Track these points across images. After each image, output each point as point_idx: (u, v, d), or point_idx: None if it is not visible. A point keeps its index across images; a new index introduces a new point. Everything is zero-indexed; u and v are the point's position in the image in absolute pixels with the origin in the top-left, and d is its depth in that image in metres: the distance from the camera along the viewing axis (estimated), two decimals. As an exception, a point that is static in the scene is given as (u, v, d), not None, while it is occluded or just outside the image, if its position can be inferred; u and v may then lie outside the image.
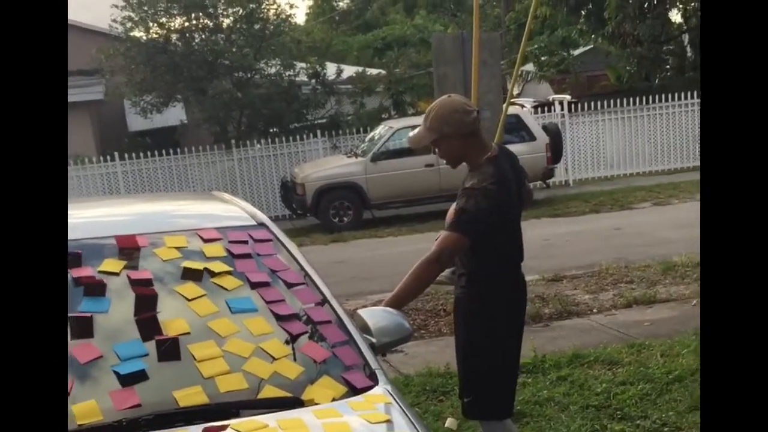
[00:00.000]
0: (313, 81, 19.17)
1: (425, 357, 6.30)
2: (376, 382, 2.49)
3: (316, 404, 2.35)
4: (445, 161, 3.81)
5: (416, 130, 3.78)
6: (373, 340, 2.80)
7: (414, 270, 3.50)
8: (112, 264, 2.66)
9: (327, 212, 14.62)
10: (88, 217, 3.41)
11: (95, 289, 2.55)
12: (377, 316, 2.92)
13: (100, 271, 2.62)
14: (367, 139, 16.10)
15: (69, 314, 2.46)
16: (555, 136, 15.29)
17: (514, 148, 14.48)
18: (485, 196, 3.47)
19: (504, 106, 7.35)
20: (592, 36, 22.53)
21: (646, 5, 19.01)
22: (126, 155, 17.08)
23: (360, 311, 2.99)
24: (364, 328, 2.84)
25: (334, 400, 2.37)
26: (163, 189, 17.05)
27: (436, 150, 3.76)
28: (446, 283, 4.08)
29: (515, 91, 16.64)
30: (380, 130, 15.68)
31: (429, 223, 12.76)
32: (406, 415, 2.34)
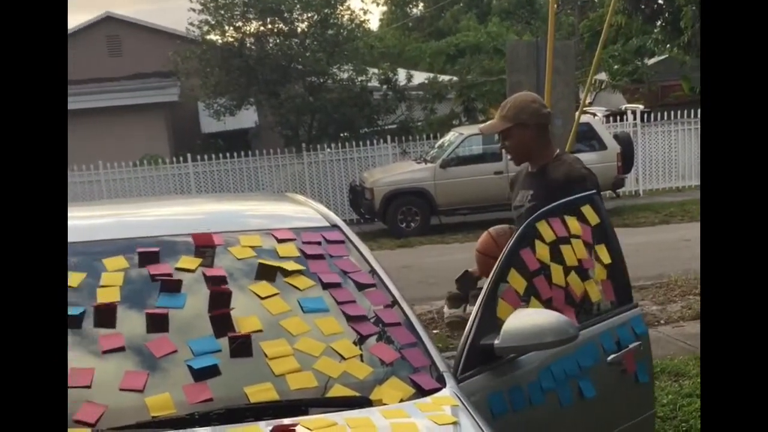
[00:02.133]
0: (385, 86, 19.24)
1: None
2: (443, 384, 2.50)
3: (384, 404, 2.36)
4: (510, 156, 3.90)
5: (489, 122, 3.89)
6: (495, 342, 2.75)
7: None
8: (188, 261, 2.72)
9: (395, 217, 14.66)
10: (166, 215, 3.50)
11: (172, 285, 2.61)
12: (525, 316, 2.79)
13: (176, 268, 2.68)
14: (436, 145, 16.10)
15: (146, 310, 2.53)
16: (626, 145, 15.09)
17: (585, 156, 14.37)
18: (582, 179, 3.60)
19: (576, 114, 7.30)
20: (667, 45, 22.13)
21: (724, 15, 18.60)
22: (198, 156, 17.37)
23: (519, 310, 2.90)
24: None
25: (401, 401, 2.39)
26: (233, 190, 17.29)
27: (506, 142, 3.81)
28: (460, 324, 4.01)
29: (587, 100, 16.46)
30: (450, 137, 15.67)
31: (496, 231, 12.67)
32: (473, 417, 2.34)
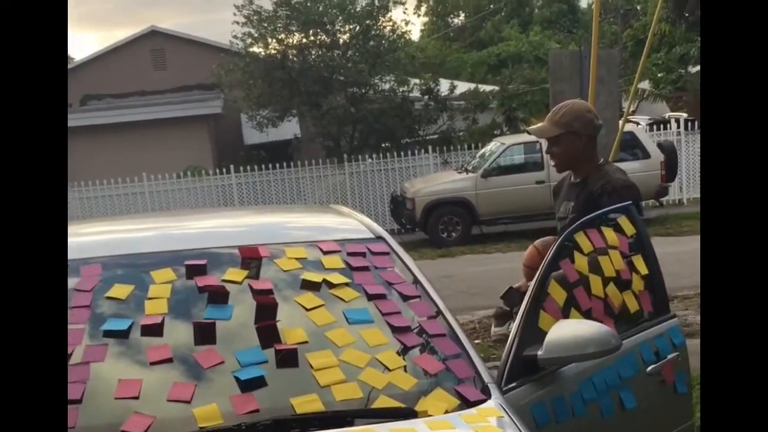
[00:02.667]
0: (426, 97, 19.27)
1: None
2: (489, 396, 2.49)
3: (429, 416, 2.36)
4: (554, 162, 3.87)
5: (540, 124, 3.87)
6: (539, 353, 2.75)
7: None
8: (235, 273, 2.74)
9: (436, 227, 14.66)
10: (213, 227, 3.54)
11: (219, 297, 2.63)
12: (567, 327, 2.79)
13: (223, 280, 2.71)
14: (478, 155, 16.07)
15: (193, 321, 2.56)
16: (670, 154, 14.94)
17: (629, 165, 14.26)
18: (623, 187, 3.63)
19: (620, 123, 7.25)
20: (712, 53, 21.92)
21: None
22: (241, 168, 17.52)
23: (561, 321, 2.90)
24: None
25: (446, 412, 2.38)
26: (275, 201, 17.40)
27: (554, 148, 3.80)
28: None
29: (631, 108, 16.33)
30: (492, 147, 15.64)
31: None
32: (519, 429, 2.34)
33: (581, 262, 3.10)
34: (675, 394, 3.33)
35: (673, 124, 17.89)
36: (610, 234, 3.25)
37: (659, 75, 25.34)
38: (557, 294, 2.99)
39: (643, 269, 3.33)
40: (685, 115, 20.38)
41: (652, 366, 3.20)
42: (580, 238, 3.14)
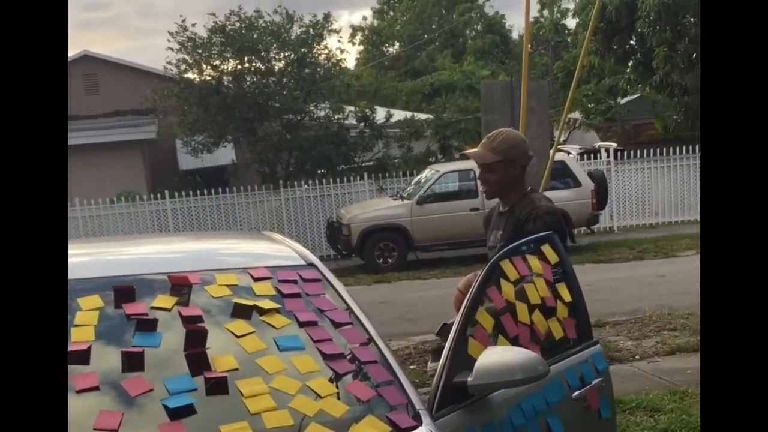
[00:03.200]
0: (362, 124, 19.37)
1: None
2: (420, 423, 2.51)
3: (361, 443, 2.37)
4: (485, 189, 3.91)
5: (476, 149, 3.89)
6: (468, 379, 2.76)
7: None
8: (164, 300, 2.72)
9: (372, 253, 14.70)
10: (142, 254, 3.50)
11: (147, 324, 2.60)
12: (496, 354, 2.80)
13: (152, 307, 2.68)
14: (413, 182, 16.20)
15: (122, 349, 2.53)
16: (600, 182, 15.26)
17: (560, 194, 14.50)
18: (547, 212, 3.69)
19: (551, 152, 7.38)
20: (640, 85, 22.50)
21: (694, 56, 18.95)
22: (176, 193, 17.37)
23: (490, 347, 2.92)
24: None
25: (378, 439, 2.40)
26: (211, 227, 17.28)
27: (488, 175, 3.83)
28: None
29: (562, 138, 16.63)
30: (427, 174, 15.78)
31: (472, 266, 12.69)
32: (448, 456, 2.36)
33: (508, 289, 3.15)
34: (600, 419, 3.38)
35: (603, 154, 18.30)
36: (534, 262, 3.30)
37: (589, 106, 25.87)
38: (485, 321, 3.02)
39: (567, 296, 3.39)
40: (614, 144, 20.84)
41: (578, 392, 3.24)
42: (506, 266, 3.18)
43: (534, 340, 3.17)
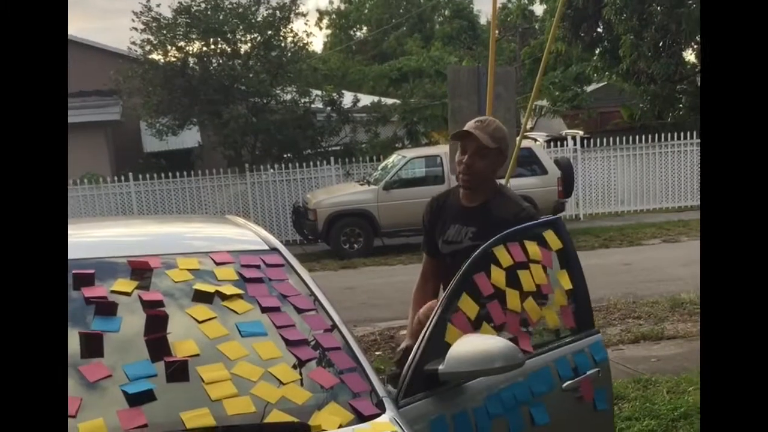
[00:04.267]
0: (329, 108, 19.29)
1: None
2: (383, 410, 2.49)
3: (323, 430, 2.34)
4: (467, 177, 3.60)
5: (476, 131, 3.57)
6: (440, 367, 2.73)
7: None
8: (124, 284, 2.67)
9: (338, 238, 14.67)
10: (103, 237, 3.44)
11: (107, 308, 2.56)
12: (471, 342, 2.76)
13: (112, 291, 2.64)
14: (380, 167, 16.18)
15: (80, 332, 2.48)
16: (567, 170, 15.33)
17: (526, 181, 14.52)
18: (534, 216, 3.54)
19: (517, 139, 7.38)
20: (606, 73, 22.64)
21: (660, 44, 19.09)
22: (140, 176, 17.20)
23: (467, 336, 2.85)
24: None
25: (340, 426, 2.37)
26: (176, 210, 17.14)
27: (479, 161, 3.56)
28: None
29: (528, 125, 16.68)
30: (393, 159, 15.77)
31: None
32: (412, 444, 2.34)
33: (498, 276, 3.09)
34: (595, 410, 3.28)
35: (570, 141, 18.39)
36: (533, 248, 3.23)
37: (556, 93, 25.98)
38: (468, 308, 2.98)
39: (567, 284, 3.31)
40: (581, 132, 20.99)
41: (569, 382, 3.18)
42: (500, 252, 3.11)
43: (524, 329, 3.12)
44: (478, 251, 3.11)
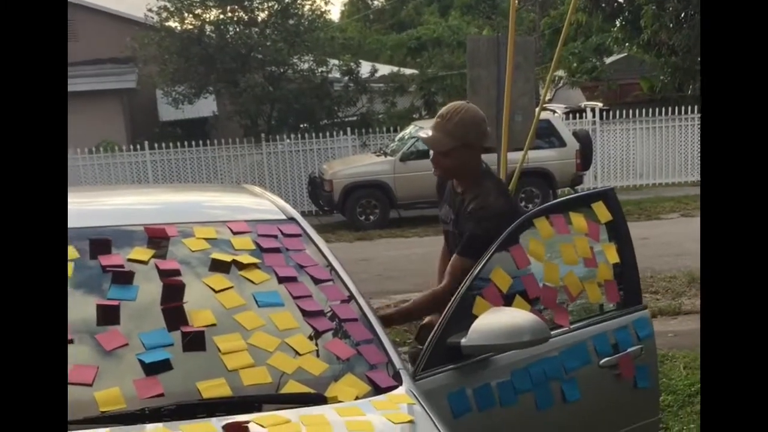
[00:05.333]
0: (346, 78, 19.18)
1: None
2: (400, 382, 2.47)
3: (339, 402, 2.33)
4: (440, 173, 3.51)
5: (430, 133, 3.45)
6: (462, 340, 2.71)
7: (430, 294, 3.34)
8: (141, 252, 2.66)
9: (354, 210, 14.64)
10: (119, 205, 3.43)
11: (123, 276, 2.55)
12: (496, 315, 2.72)
13: (128, 259, 2.63)
14: (396, 138, 16.09)
15: (96, 301, 2.48)
16: (585, 142, 15.20)
17: (544, 153, 14.42)
18: (495, 216, 3.24)
19: (536, 110, 7.31)
20: (627, 44, 22.37)
21: (682, 15, 18.84)
22: (156, 145, 17.19)
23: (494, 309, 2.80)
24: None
25: (357, 398, 2.36)
26: (191, 180, 17.15)
27: (443, 159, 3.41)
28: None
29: (547, 97, 16.56)
30: (410, 130, 15.66)
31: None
32: (429, 416, 2.32)
33: (536, 248, 3.04)
34: (635, 388, 3.21)
35: (589, 113, 18.24)
36: (578, 220, 3.16)
37: (575, 65, 25.74)
38: (501, 280, 2.93)
39: (614, 258, 3.23)
40: (600, 104, 20.79)
41: (607, 359, 3.12)
42: (541, 224, 3.05)
43: (561, 303, 3.06)
44: (515, 222, 3.04)
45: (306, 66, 18.50)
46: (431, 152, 3.53)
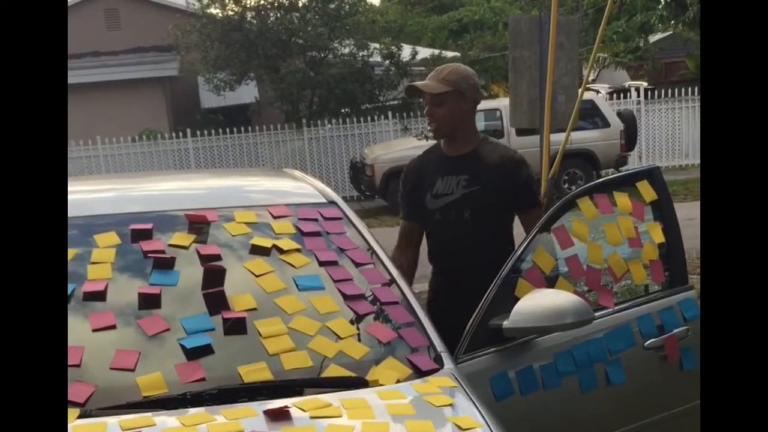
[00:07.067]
0: (387, 62, 19.11)
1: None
2: (441, 366, 2.46)
3: (380, 385, 2.32)
4: (433, 126, 3.57)
5: (425, 81, 3.56)
6: (504, 322, 2.69)
7: None
8: (182, 238, 2.67)
9: (395, 194, 14.56)
10: (160, 191, 3.44)
11: (165, 262, 2.56)
12: (538, 297, 2.70)
13: (170, 245, 2.63)
14: (438, 121, 15.99)
15: (138, 287, 2.49)
16: (630, 123, 15.00)
17: (588, 134, 14.23)
18: (525, 162, 3.48)
19: (579, 91, 7.21)
20: (672, 22, 22.00)
21: (729, -9, 18.49)
22: (198, 132, 17.30)
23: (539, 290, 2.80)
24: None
25: (398, 381, 2.34)
26: (233, 166, 17.24)
27: (437, 109, 3.48)
28: None
29: (591, 77, 16.36)
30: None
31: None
32: (471, 399, 2.30)
33: (580, 228, 3.00)
34: (681, 371, 3.14)
35: (633, 93, 17.98)
36: (622, 199, 3.12)
37: (620, 44, 25.41)
38: (544, 262, 2.91)
39: (659, 237, 3.17)
40: (645, 84, 20.49)
41: (652, 340, 3.06)
42: (584, 204, 3.02)
43: (606, 284, 3.02)
44: (558, 203, 3.02)
45: (347, 50, 18.45)
46: (426, 109, 3.63)
